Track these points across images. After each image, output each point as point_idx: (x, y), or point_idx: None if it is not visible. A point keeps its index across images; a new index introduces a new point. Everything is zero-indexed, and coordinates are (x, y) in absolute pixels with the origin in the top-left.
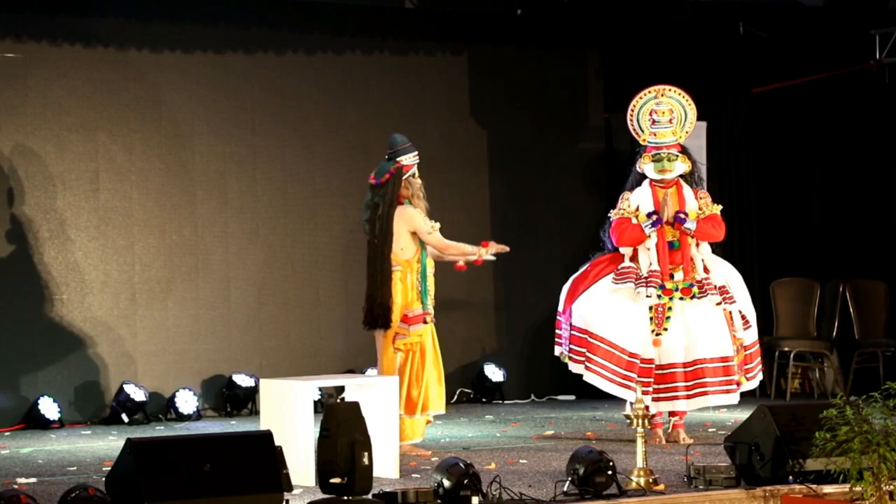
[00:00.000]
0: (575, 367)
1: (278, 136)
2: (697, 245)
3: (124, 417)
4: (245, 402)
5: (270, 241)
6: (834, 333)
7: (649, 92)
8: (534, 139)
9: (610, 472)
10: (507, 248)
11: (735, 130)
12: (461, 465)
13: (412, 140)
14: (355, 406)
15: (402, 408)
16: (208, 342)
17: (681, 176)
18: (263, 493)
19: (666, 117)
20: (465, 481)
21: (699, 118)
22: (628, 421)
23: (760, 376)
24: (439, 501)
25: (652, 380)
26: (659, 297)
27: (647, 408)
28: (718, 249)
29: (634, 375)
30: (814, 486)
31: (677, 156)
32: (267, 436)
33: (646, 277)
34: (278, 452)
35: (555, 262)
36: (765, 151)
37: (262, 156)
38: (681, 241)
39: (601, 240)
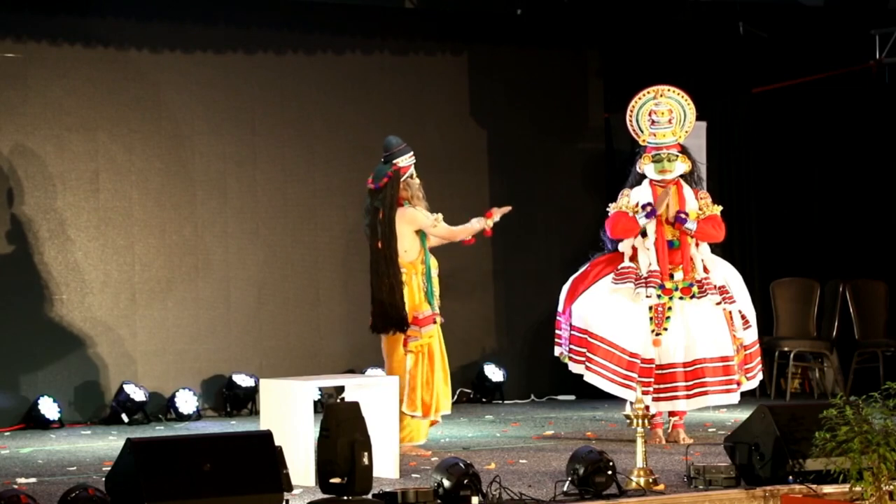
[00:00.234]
0: (575, 368)
1: (278, 136)
2: (697, 245)
3: (124, 417)
4: (245, 402)
5: (270, 241)
6: (834, 333)
7: (648, 92)
8: (534, 139)
9: (610, 472)
10: (509, 208)
11: (735, 130)
12: (461, 465)
13: (413, 140)
14: (355, 406)
15: (420, 410)
16: (208, 342)
17: (681, 176)
18: (263, 493)
19: (665, 118)
20: (465, 481)
21: (699, 118)
22: (628, 421)
23: (760, 376)
24: (439, 501)
25: (652, 380)
26: (659, 296)
27: (647, 408)
28: (718, 249)
29: (635, 375)
30: (814, 486)
31: (677, 156)
32: (267, 436)
33: (645, 277)
34: (278, 452)
35: (555, 262)
36: (765, 151)
37: (262, 156)
38: (680, 240)
39: (601, 240)
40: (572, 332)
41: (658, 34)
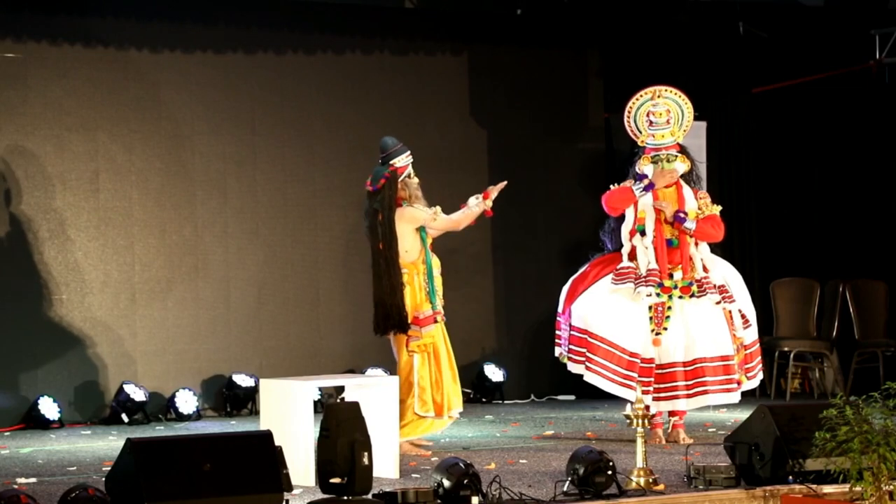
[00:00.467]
0: (575, 368)
1: (278, 136)
2: (696, 244)
3: (124, 417)
4: (245, 402)
5: (270, 241)
6: (834, 333)
7: (645, 93)
8: (534, 139)
9: (610, 472)
10: (504, 183)
11: (735, 130)
12: (461, 465)
13: (412, 140)
14: (355, 406)
15: (432, 410)
16: (208, 342)
17: (680, 175)
18: (263, 493)
19: (663, 118)
20: (465, 481)
21: (699, 118)
22: (628, 421)
23: (761, 375)
24: (439, 501)
25: (652, 379)
26: (658, 295)
27: (647, 408)
28: (718, 249)
29: (635, 375)
30: (814, 486)
31: (676, 156)
32: (267, 436)
33: (644, 277)
34: (278, 452)
35: (555, 262)
36: (765, 151)
37: (262, 156)
38: (679, 239)
39: (601, 240)
40: (572, 333)
41: (658, 34)
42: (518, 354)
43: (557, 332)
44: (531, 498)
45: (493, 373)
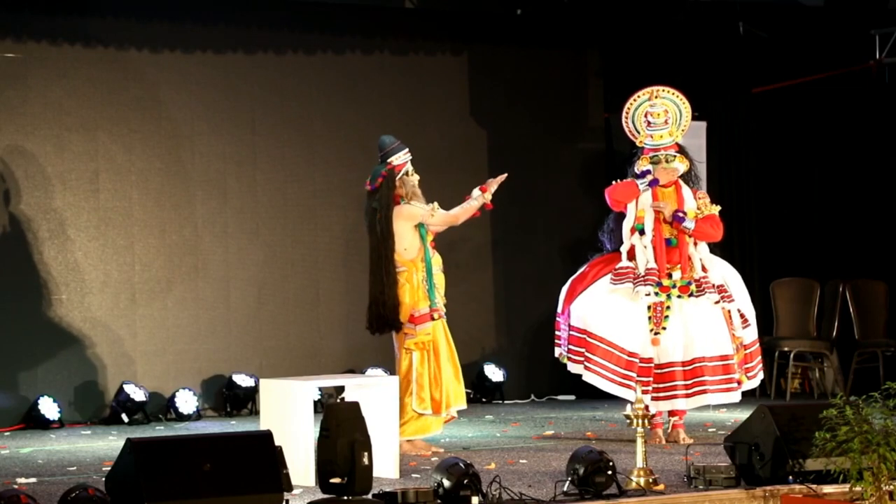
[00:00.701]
0: (574, 368)
1: (278, 136)
2: (695, 244)
3: (124, 417)
4: (245, 402)
5: (270, 241)
6: (834, 333)
7: (643, 94)
8: (534, 139)
9: (610, 472)
10: (504, 176)
11: (735, 130)
12: (461, 465)
13: (412, 140)
14: (355, 406)
15: (430, 408)
16: (208, 342)
17: (679, 175)
18: (263, 493)
19: (661, 118)
20: (465, 481)
21: (699, 118)
22: (628, 421)
23: (761, 375)
24: (439, 501)
25: (651, 379)
26: (657, 294)
27: (647, 408)
28: (718, 249)
29: (634, 375)
30: (814, 486)
31: (675, 156)
32: (267, 436)
33: (643, 276)
34: (278, 452)
35: (555, 262)
36: (765, 151)
37: (262, 156)
38: (678, 239)
39: (600, 241)
40: (571, 333)
41: (658, 34)
42: (518, 354)
43: (557, 332)
44: (531, 498)
45: (493, 373)
